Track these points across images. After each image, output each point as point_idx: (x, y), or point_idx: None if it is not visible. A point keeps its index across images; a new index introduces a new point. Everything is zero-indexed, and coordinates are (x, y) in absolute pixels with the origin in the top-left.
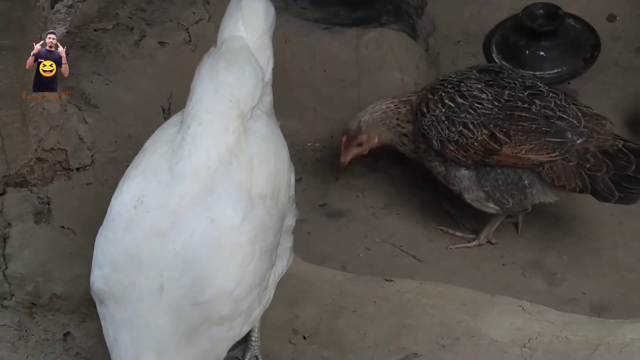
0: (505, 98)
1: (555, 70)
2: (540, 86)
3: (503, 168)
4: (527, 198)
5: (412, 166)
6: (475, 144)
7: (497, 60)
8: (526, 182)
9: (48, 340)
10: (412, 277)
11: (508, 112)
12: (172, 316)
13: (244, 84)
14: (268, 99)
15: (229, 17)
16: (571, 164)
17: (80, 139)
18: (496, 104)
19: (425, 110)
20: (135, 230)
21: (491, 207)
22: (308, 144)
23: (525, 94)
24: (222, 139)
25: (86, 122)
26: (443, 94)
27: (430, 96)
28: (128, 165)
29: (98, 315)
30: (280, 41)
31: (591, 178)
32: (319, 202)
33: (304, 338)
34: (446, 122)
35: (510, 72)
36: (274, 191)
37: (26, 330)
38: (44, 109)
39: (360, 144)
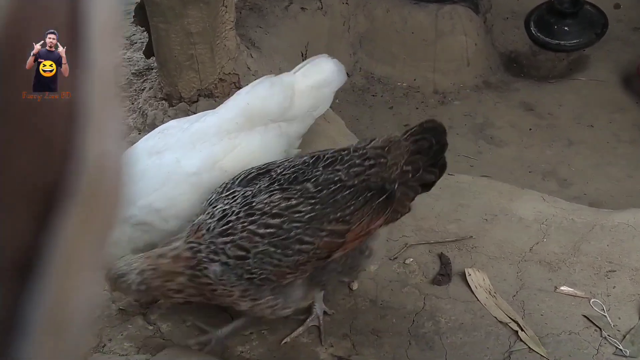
0: (313, 190)
1: (575, 41)
2: (323, 153)
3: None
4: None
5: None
6: (317, 251)
7: (534, 32)
8: (368, 244)
9: None
10: (466, 174)
11: (330, 200)
12: None
13: (264, 100)
14: (294, 129)
15: (304, 61)
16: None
17: (248, 67)
18: (312, 201)
19: (242, 253)
20: (146, 140)
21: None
22: (397, 84)
23: (324, 173)
24: (224, 122)
25: (252, 57)
26: (248, 226)
27: (229, 238)
28: None
29: None
30: (383, 11)
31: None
32: (403, 123)
33: None
34: (279, 250)
35: (272, 165)
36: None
37: None
38: (225, 45)
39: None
